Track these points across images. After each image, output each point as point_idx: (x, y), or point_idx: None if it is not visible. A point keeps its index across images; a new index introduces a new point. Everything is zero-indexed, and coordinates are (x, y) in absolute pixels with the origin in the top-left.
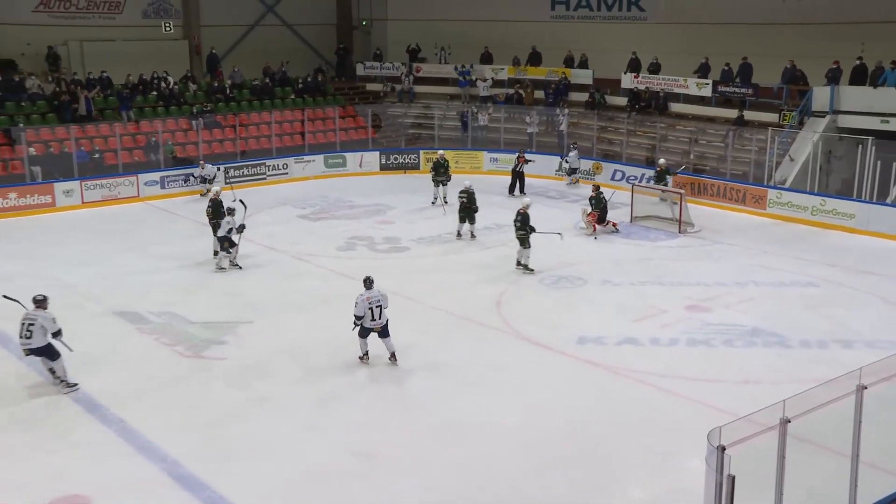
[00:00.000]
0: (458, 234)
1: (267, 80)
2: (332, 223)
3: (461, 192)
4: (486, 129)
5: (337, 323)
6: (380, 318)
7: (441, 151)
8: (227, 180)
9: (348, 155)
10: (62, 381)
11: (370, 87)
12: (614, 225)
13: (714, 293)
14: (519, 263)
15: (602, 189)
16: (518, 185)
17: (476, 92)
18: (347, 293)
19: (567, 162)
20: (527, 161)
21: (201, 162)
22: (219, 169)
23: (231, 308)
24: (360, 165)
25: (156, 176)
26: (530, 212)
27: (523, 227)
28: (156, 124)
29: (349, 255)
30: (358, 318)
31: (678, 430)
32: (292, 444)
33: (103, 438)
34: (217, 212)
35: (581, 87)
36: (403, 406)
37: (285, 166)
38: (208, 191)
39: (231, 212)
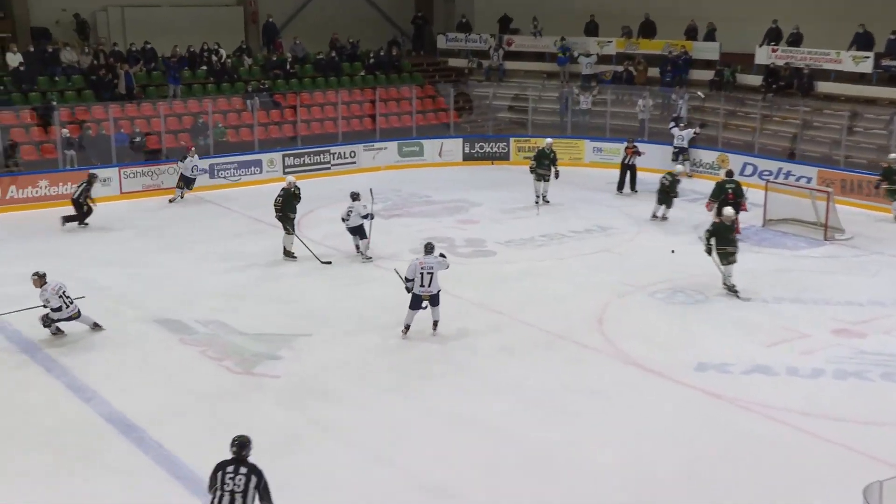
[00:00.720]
0: (654, 216)
1: (333, 55)
2: (407, 221)
3: (665, 175)
4: (590, 113)
5: (409, 339)
6: (430, 286)
7: (549, 140)
8: (285, 170)
9: (426, 142)
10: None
11: (453, 62)
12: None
13: (869, 315)
14: (725, 285)
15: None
16: (629, 181)
17: (577, 69)
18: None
19: (679, 136)
20: (637, 153)
21: (190, 150)
22: (197, 170)
23: (287, 318)
24: (440, 155)
25: (204, 163)
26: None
27: (723, 239)
28: (205, 104)
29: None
30: (408, 280)
31: (821, 481)
32: (355, 475)
33: (138, 463)
34: (289, 204)
35: (705, 64)
36: (484, 436)
37: (353, 154)
38: (182, 196)
39: (355, 196)
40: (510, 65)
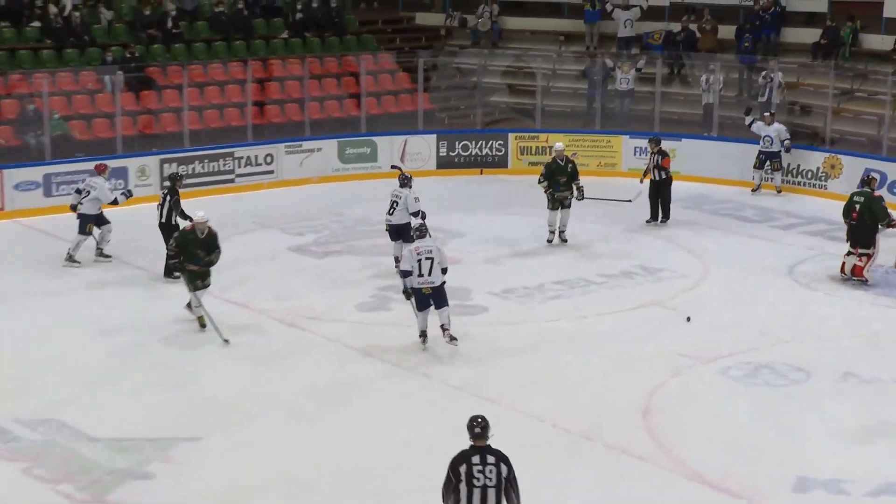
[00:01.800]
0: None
1: (240, 6)
2: (351, 262)
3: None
4: (631, 96)
5: (366, 438)
6: (430, 275)
7: (560, 146)
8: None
9: (380, 140)
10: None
11: (423, 19)
12: None
13: None
14: None
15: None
16: (660, 206)
17: (612, 29)
18: (378, 385)
19: (767, 134)
20: (662, 156)
21: (102, 171)
22: (123, 194)
23: (167, 412)
24: (402, 159)
25: (35, 174)
26: None
27: None
28: (37, 81)
29: (380, 317)
30: (405, 274)
31: None
32: None
33: None
34: (190, 251)
35: (806, 19)
36: None
37: (269, 159)
38: (88, 230)
39: (405, 181)
40: (509, 22)
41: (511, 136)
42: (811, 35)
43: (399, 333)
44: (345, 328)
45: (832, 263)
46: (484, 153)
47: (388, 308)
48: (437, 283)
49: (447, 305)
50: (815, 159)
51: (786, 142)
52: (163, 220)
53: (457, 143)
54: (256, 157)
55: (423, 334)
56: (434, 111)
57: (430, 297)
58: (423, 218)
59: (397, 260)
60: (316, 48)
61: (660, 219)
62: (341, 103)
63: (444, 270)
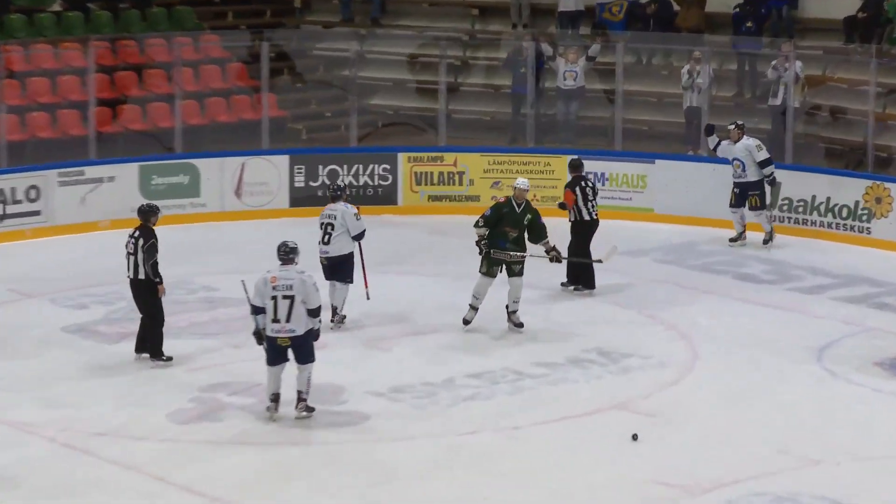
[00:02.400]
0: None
1: None
2: (171, 346)
3: None
4: (580, 96)
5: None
6: (289, 321)
7: (523, 183)
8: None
9: (203, 164)
10: None
11: None
12: None
13: None
14: None
15: None
16: (574, 265)
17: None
18: None
19: (738, 156)
20: (585, 190)
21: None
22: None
23: None
24: (239, 193)
25: None
26: None
27: None
28: None
29: (205, 432)
30: (255, 310)
31: None
32: None
33: None
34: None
35: None
36: None
37: (33, 193)
38: None
39: (337, 192)
40: None
41: (402, 156)
42: (843, 7)
43: (232, 455)
44: (151, 451)
45: (879, 344)
46: (362, 182)
47: (219, 418)
48: (300, 332)
49: (312, 362)
50: (852, 190)
51: (766, 170)
52: (135, 275)
53: (320, 167)
54: (14, 190)
55: (275, 399)
56: (285, 120)
57: (287, 351)
58: (362, 235)
59: (335, 311)
60: (104, 26)
61: (573, 286)
62: (144, 109)
63: (314, 313)
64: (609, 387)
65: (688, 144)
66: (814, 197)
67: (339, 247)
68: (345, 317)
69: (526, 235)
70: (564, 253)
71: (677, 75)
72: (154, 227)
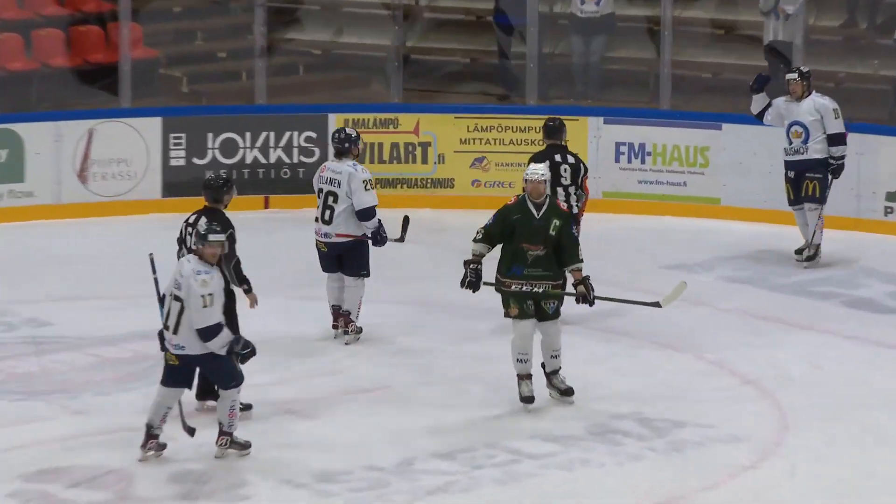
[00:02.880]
0: None
1: None
2: (29, 409)
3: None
4: (608, 28)
5: None
6: (177, 332)
7: (538, 171)
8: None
9: (24, 130)
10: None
11: None
12: None
13: None
14: None
15: None
16: None
17: None
18: None
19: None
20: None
21: None
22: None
23: None
24: (83, 175)
25: None
26: None
27: None
28: None
29: None
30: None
31: None
32: None
33: None
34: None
35: None
36: None
37: None
38: None
39: (344, 144)
40: None
41: (335, 119)
42: None
43: None
44: None
45: None
46: (274, 159)
47: None
48: (193, 352)
49: (234, 387)
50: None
51: (837, 150)
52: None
53: (210, 136)
54: None
55: (149, 430)
56: (156, 63)
57: (180, 373)
58: (379, 228)
59: (337, 311)
60: None
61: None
62: None
63: (206, 333)
64: (651, 473)
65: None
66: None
67: (346, 226)
68: (361, 329)
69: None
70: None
71: None
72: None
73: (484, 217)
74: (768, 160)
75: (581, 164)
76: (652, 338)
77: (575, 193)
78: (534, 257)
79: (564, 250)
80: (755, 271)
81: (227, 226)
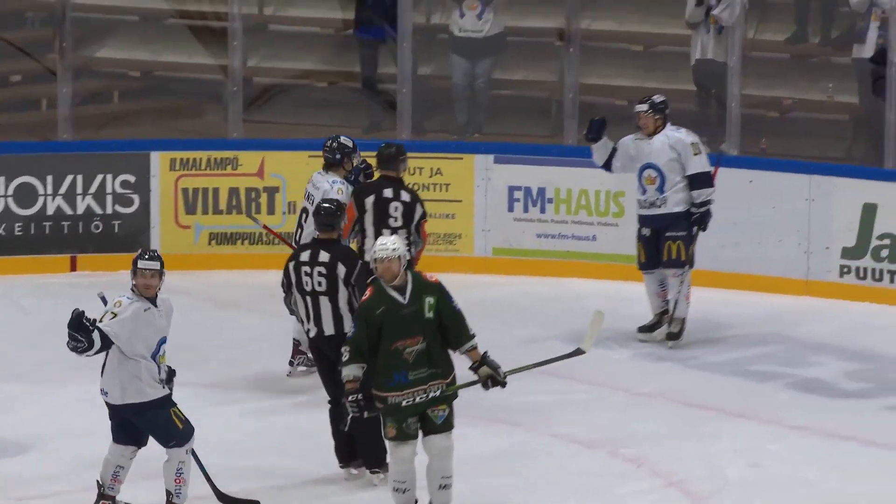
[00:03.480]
0: None
1: None
2: None
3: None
4: (495, 46)
5: None
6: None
7: (383, 249)
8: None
9: None
10: None
11: None
12: None
13: None
14: None
15: None
16: None
17: None
18: None
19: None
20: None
21: None
22: None
23: None
24: None
25: None
26: None
27: None
28: None
29: None
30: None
31: None
32: None
33: None
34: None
35: None
36: None
37: None
38: None
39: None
40: None
41: (159, 158)
42: None
43: None
44: None
45: None
46: (82, 209)
47: None
48: (113, 401)
49: (174, 446)
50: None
51: (701, 193)
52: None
53: (2, 180)
54: None
55: (100, 490)
56: None
57: (126, 426)
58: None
59: (296, 347)
60: None
61: None
62: None
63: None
64: None
65: (700, 131)
66: None
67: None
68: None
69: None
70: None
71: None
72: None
73: None
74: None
75: (418, 204)
76: (555, 429)
77: (408, 239)
78: (415, 355)
79: (450, 331)
80: (682, 347)
81: (356, 260)
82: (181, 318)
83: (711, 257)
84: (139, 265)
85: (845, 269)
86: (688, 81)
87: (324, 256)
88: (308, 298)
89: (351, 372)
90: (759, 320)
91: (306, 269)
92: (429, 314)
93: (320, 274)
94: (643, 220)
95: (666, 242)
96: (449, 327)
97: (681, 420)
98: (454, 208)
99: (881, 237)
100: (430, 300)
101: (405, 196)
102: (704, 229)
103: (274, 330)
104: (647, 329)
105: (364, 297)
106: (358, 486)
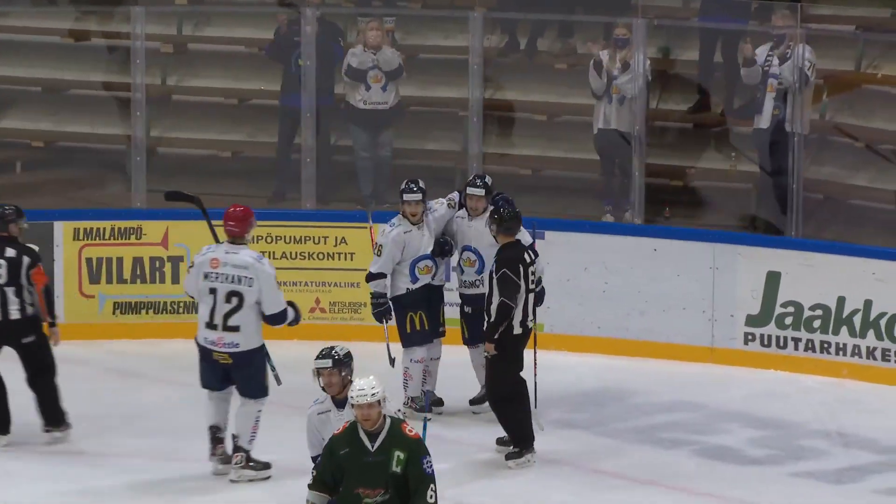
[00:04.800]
0: None
1: None
2: None
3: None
4: (395, 115)
5: None
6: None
7: (361, 392)
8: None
9: None
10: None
11: None
12: None
13: None
14: None
15: None
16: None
17: None
18: None
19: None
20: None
21: None
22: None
23: None
24: None
25: None
26: None
27: None
28: None
29: None
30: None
31: None
32: None
33: None
34: None
35: None
36: None
37: None
38: None
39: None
40: None
41: (62, 228)
42: None
43: None
44: None
45: None
46: None
47: None
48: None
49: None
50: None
51: (534, 271)
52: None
53: None
54: None
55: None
56: None
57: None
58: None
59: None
60: None
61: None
62: None
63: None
64: None
65: (604, 201)
66: (841, 301)
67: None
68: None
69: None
70: None
71: (583, 69)
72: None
73: None
74: (602, 277)
75: (24, 256)
76: (467, 499)
77: (18, 297)
78: None
79: (412, 493)
80: (590, 413)
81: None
82: (84, 387)
83: (617, 325)
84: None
85: (750, 337)
86: (591, 151)
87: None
88: None
89: (314, 500)
90: (666, 388)
91: None
92: (395, 468)
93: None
94: (464, 299)
95: (487, 320)
96: (411, 489)
97: (590, 488)
98: (359, 277)
99: (785, 304)
100: (399, 454)
101: (10, 252)
102: (539, 304)
103: (176, 397)
104: (479, 401)
105: (337, 430)
106: None
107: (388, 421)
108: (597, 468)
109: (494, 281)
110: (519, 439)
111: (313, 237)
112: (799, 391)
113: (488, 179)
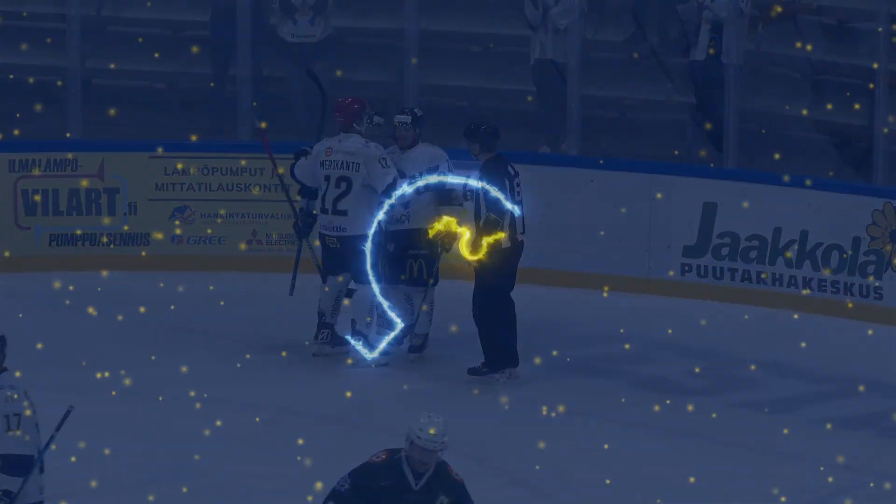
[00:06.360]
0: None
1: None
2: None
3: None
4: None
5: None
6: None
7: (425, 431)
8: None
9: None
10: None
11: None
12: None
13: None
14: None
15: None
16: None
17: None
18: None
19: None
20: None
21: None
22: None
23: None
24: None
25: None
26: None
27: None
28: None
29: None
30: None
31: None
32: None
33: None
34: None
35: None
36: None
37: None
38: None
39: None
40: None
41: None
42: None
43: None
44: None
45: None
46: None
47: None
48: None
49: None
50: (846, 218)
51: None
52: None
53: None
54: None
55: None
56: None
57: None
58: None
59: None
60: None
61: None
62: None
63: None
64: None
65: (542, 132)
66: (777, 232)
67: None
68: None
69: None
70: None
71: None
72: None
73: (188, 282)
74: (538, 208)
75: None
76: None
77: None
78: None
79: None
80: (526, 343)
81: None
82: (18, 319)
83: (554, 257)
84: None
85: (686, 268)
86: (527, 82)
87: None
88: None
89: None
90: (602, 319)
91: None
92: None
93: None
94: (388, 236)
95: (408, 260)
96: None
97: (527, 419)
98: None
99: (721, 235)
100: (443, 499)
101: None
102: (448, 249)
103: (111, 331)
104: (417, 349)
105: (375, 460)
106: None
107: (438, 465)
108: (533, 398)
109: (481, 197)
110: (490, 361)
111: (250, 169)
112: (735, 322)
113: (417, 110)
